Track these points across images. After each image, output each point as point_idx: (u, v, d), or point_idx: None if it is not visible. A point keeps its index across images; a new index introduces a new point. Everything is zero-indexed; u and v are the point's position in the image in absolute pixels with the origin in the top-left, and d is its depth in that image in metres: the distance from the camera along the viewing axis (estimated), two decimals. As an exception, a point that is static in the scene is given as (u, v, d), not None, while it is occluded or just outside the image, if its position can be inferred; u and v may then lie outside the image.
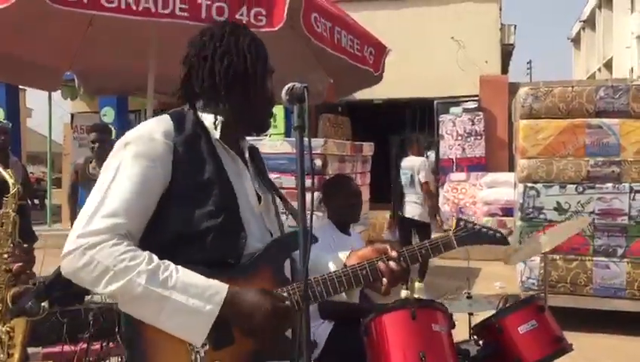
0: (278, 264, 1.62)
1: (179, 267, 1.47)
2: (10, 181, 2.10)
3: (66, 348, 2.51)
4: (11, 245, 2.06)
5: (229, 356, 1.49)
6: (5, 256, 2.05)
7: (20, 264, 2.07)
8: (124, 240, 1.45)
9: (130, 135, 1.56)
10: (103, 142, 5.23)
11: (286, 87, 1.41)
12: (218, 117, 1.63)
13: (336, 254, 1.79)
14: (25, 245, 2.12)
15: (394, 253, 1.70)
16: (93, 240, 1.42)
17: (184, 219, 1.52)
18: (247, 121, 1.69)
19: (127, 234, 1.47)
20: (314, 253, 1.65)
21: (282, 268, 1.62)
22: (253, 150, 1.83)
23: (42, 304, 2.02)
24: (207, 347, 1.46)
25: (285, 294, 1.56)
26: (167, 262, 1.47)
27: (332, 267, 1.74)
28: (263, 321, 1.45)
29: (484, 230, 1.85)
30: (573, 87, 6.11)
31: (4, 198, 2.10)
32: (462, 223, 1.85)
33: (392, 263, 1.67)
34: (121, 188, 1.48)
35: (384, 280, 1.67)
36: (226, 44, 1.62)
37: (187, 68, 1.65)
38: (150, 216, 1.52)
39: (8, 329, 2.04)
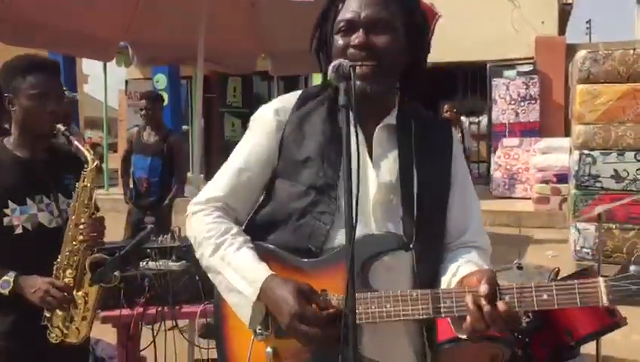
0: (360, 263, 1.36)
1: (244, 246, 1.46)
2: (90, 157, 2.19)
3: (124, 311, 2.62)
4: (88, 216, 2.16)
5: (289, 349, 1.41)
6: (81, 226, 2.15)
7: (94, 233, 2.17)
8: (217, 211, 1.52)
9: (257, 112, 1.59)
10: (153, 110, 5.34)
11: (333, 63, 1.31)
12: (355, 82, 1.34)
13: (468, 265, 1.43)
14: (97, 215, 2.22)
15: (483, 288, 1.22)
16: (195, 209, 1.54)
17: (278, 198, 1.51)
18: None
19: (226, 207, 1.53)
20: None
21: (361, 270, 1.36)
22: (431, 123, 1.57)
23: (115, 272, 2.13)
24: (270, 332, 1.42)
25: (334, 301, 1.35)
26: (238, 238, 1.47)
27: (444, 280, 1.44)
28: (288, 322, 1.30)
29: None
30: (635, 49, 5.84)
31: (83, 172, 2.19)
32: (634, 269, 1.17)
33: (483, 301, 1.21)
34: (230, 163, 1.56)
35: (467, 319, 1.24)
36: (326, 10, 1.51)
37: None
38: (256, 193, 1.56)
39: (83, 294, 2.15)
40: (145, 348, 2.85)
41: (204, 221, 1.51)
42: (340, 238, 1.41)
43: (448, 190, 1.54)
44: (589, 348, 3.22)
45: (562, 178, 9.37)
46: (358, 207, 1.24)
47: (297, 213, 1.46)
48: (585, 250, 5.89)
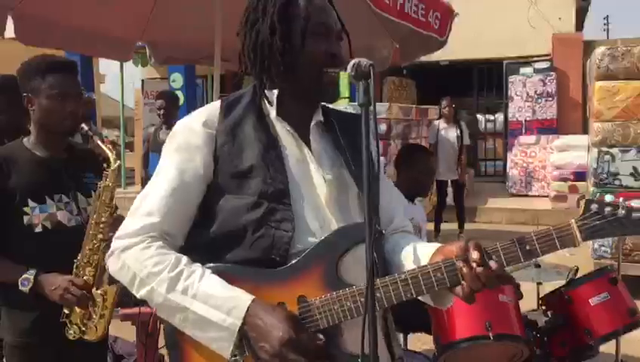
0: (332, 263, 1.34)
1: (206, 273, 1.35)
2: (112, 156, 2.22)
3: (142, 309, 2.64)
4: (109, 215, 2.19)
5: None
6: (102, 225, 2.18)
7: (114, 233, 2.19)
8: (156, 241, 1.37)
9: (176, 126, 1.49)
10: (169, 109, 5.40)
11: (351, 62, 1.30)
12: (273, 91, 1.46)
13: (422, 245, 1.47)
14: (118, 214, 2.24)
15: (475, 254, 1.27)
16: (126, 243, 1.39)
17: (225, 214, 1.39)
18: (298, 92, 1.46)
19: (163, 235, 1.39)
20: (393, 243, 1.51)
21: (335, 267, 1.34)
22: (348, 119, 1.56)
23: None
24: (246, 354, 1.31)
25: (317, 306, 1.32)
26: (193, 267, 1.35)
27: (408, 264, 1.44)
28: (278, 350, 1.23)
29: (636, 216, 1.25)
30: (654, 45, 5.78)
31: (105, 171, 2.22)
32: (594, 207, 1.28)
33: (475, 265, 1.26)
34: (159, 185, 1.42)
35: (464, 283, 1.28)
36: (254, 10, 1.45)
37: (240, 42, 1.49)
38: (192, 212, 1.43)
39: (102, 292, 2.18)
40: (163, 346, 2.86)
41: (144, 254, 1.35)
42: (301, 244, 1.37)
43: (378, 178, 1.53)
44: (608, 347, 3.19)
45: (580, 176, 9.29)
46: (314, 207, 1.36)
47: (252, 225, 1.36)
48: (603, 248, 5.83)
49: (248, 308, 1.28)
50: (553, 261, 4.33)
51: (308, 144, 1.47)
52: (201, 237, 1.42)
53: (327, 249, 1.35)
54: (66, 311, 2.17)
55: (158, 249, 1.36)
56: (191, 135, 1.43)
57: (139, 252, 1.36)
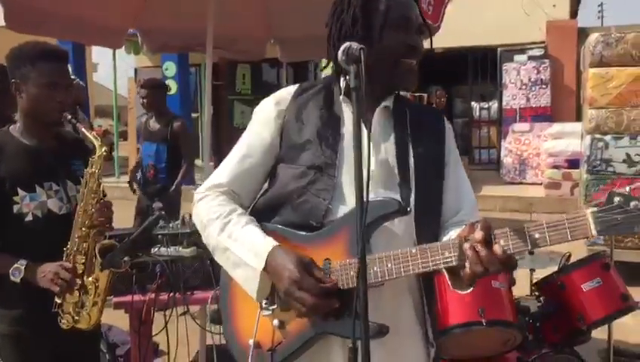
0: (356, 232, 1.33)
1: (250, 223, 1.53)
2: (97, 143, 2.20)
3: (136, 297, 2.63)
4: (96, 202, 2.17)
5: (294, 320, 1.46)
6: (89, 212, 2.16)
7: (102, 218, 2.18)
8: (222, 195, 1.59)
9: (259, 105, 1.67)
10: (152, 98, 5.37)
11: (342, 47, 1.34)
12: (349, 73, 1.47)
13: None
14: (105, 201, 2.23)
15: (478, 234, 1.27)
16: (200, 196, 1.62)
17: (280, 180, 1.58)
18: (374, 78, 1.51)
19: (230, 192, 1.60)
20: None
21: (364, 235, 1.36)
22: (423, 112, 1.71)
23: (125, 257, 2.15)
24: (276, 306, 1.47)
25: (336, 269, 1.42)
26: (242, 218, 1.55)
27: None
28: (287, 287, 1.38)
29: None
30: (648, 32, 5.77)
31: (91, 158, 2.20)
32: (618, 200, 1.20)
33: (479, 246, 1.27)
34: (233, 152, 1.64)
35: (467, 265, 1.29)
36: (340, 2, 1.58)
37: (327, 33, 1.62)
38: (259, 178, 1.63)
39: (94, 280, 2.17)
40: (157, 334, 2.87)
41: (210, 205, 1.58)
42: (339, 212, 1.49)
43: (442, 168, 1.62)
44: (600, 333, 3.21)
45: (574, 163, 9.31)
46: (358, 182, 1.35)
47: (297, 191, 1.53)
48: (597, 235, 5.85)
49: (270, 251, 1.43)
50: (546, 247, 4.34)
51: (370, 126, 1.55)
52: (262, 199, 1.63)
53: (353, 219, 1.33)
54: (58, 301, 2.16)
55: (221, 201, 1.58)
56: (265, 111, 1.63)
57: (207, 202, 1.60)
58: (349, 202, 1.48)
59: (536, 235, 1.25)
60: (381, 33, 1.53)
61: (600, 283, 2.91)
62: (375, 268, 1.39)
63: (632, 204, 1.18)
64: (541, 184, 10.30)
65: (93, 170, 2.19)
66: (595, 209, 1.21)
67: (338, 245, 1.46)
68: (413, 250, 1.37)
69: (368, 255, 1.37)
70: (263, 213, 1.60)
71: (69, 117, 2.24)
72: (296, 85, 1.67)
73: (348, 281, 1.41)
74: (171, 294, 2.68)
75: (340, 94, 1.58)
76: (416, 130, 1.60)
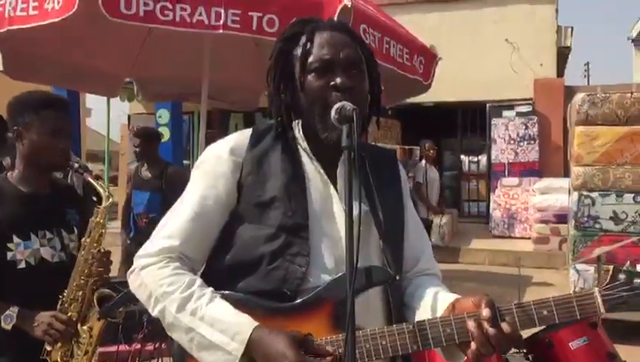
0: (342, 304, 1.26)
1: (216, 297, 1.36)
2: (104, 194, 2.21)
3: (121, 348, 2.60)
4: (97, 252, 2.17)
5: None
6: (90, 261, 2.16)
7: (102, 268, 2.18)
8: (173, 262, 1.40)
9: (204, 153, 1.52)
10: (143, 146, 5.39)
11: (335, 106, 1.32)
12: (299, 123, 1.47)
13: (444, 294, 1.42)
14: (105, 250, 2.23)
15: (486, 312, 1.21)
16: (146, 262, 1.42)
17: (243, 242, 1.41)
18: (309, 131, 1.44)
19: (182, 257, 1.42)
20: (417, 283, 1.50)
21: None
22: (378, 155, 1.59)
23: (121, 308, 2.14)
24: None
25: (329, 346, 1.28)
26: (204, 290, 1.37)
27: (424, 312, 1.40)
28: None
29: None
30: (632, 93, 5.93)
31: (97, 208, 2.21)
32: (622, 277, 1.21)
33: (486, 324, 1.20)
34: (182, 209, 1.45)
35: (473, 344, 1.22)
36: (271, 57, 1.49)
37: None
38: (213, 238, 1.45)
39: (88, 328, 2.15)
40: (142, 385, 2.82)
41: (160, 274, 1.38)
42: (314, 280, 1.36)
43: (404, 220, 1.54)
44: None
45: (562, 218, 9.38)
46: (331, 245, 1.34)
47: (268, 256, 1.37)
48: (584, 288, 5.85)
49: (252, 333, 1.27)
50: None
51: (334, 179, 1.45)
52: (218, 263, 1.44)
53: (338, 289, 1.30)
54: (48, 348, 2.13)
55: (174, 269, 1.39)
56: (217, 162, 1.46)
57: (156, 271, 1.39)
58: (327, 267, 1.37)
59: (545, 312, 1.23)
60: (302, 82, 1.42)
61: (587, 341, 2.90)
62: (367, 346, 1.28)
63: (636, 281, 1.19)
64: (530, 238, 10.35)
65: (99, 219, 2.20)
66: (602, 287, 1.22)
67: (320, 319, 1.32)
68: (410, 326, 1.28)
69: (358, 330, 1.26)
70: (221, 280, 1.41)
71: (77, 165, 2.27)
72: (249, 130, 1.51)
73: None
74: (157, 345, 2.65)
75: (298, 146, 1.47)
76: (377, 180, 1.49)
